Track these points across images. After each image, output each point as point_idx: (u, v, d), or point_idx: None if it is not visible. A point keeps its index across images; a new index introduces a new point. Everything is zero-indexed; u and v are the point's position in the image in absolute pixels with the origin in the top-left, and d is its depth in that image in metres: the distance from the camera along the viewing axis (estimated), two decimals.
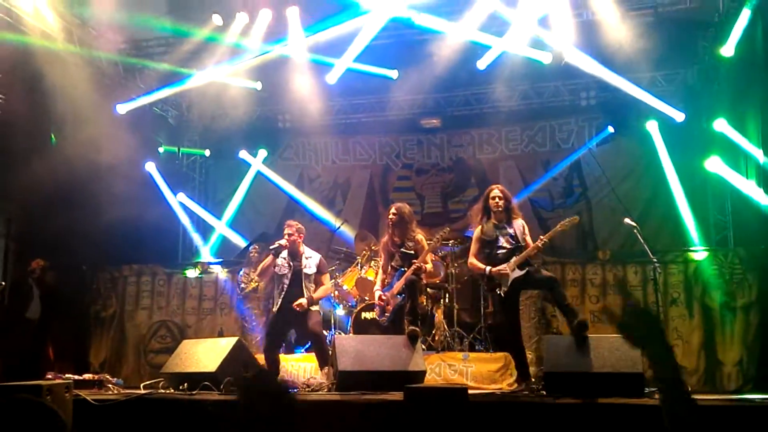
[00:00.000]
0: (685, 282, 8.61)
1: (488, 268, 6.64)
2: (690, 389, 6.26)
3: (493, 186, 6.98)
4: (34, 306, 9.09)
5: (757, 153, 8.65)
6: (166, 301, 10.06)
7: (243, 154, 12.29)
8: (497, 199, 6.73)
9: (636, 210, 10.44)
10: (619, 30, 9.23)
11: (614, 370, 5.88)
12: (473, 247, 6.88)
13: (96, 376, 7.33)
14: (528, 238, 6.72)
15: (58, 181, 8.52)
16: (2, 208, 9.11)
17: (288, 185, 12.28)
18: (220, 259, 11.10)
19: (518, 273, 6.55)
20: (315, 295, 7.38)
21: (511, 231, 6.68)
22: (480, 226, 6.84)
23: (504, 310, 6.77)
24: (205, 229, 12.28)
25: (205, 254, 11.81)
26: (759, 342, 8.19)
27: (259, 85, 11.05)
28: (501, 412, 5.39)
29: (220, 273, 10.15)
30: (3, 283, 8.81)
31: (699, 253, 8.86)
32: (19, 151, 8.78)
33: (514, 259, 6.56)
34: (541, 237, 6.55)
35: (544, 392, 6.05)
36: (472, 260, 6.85)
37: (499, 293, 6.61)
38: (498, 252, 6.66)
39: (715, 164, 9.49)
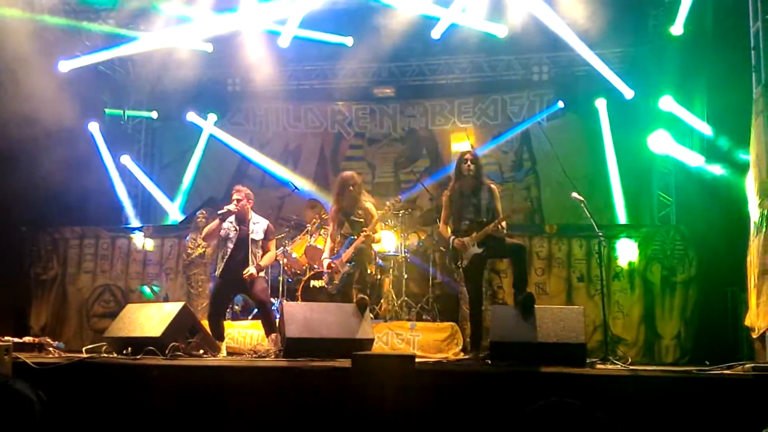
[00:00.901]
0: (627, 256, 8.80)
1: (452, 237, 6.67)
2: (629, 361, 6.48)
3: (467, 150, 6.99)
4: None
5: (703, 127, 8.86)
6: (109, 264, 9.84)
7: (191, 117, 11.98)
8: (469, 163, 6.72)
9: (583, 185, 10.56)
10: (572, 6, 9.28)
11: (558, 340, 6.01)
12: (443, 212, 6.93)
13: (36, 339, 7.16)
14: (498, 205, 6.72)
15: None
16: None
17: (242, 146, 12.02)
18: (139, 225, 10.90)
19: (477, 250, 6.59)
20: (261, 263, 7.35)
21: (475, 201, 6.68)
22: (448, 192, 6.87)
23: (466, 282, 6.85)
24: (149, 194, 12.02)
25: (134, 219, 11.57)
26: (697, 316, 8.46)
27: (209, 47, 10.75)
28: (447, 379, 5.45)
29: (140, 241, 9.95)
30: None
31: (642, 229, 9.06)
32: None
33: (474, 234, 6.59)
34: (498, 220, 6.56)
35: (489, 361, 6.15)
36: (442, 225, 6.90)
37: (459, 266, 6.67)
38: (462, 223, 6.70)
39: (659, 141, 9.67)
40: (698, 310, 8.47)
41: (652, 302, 8.62)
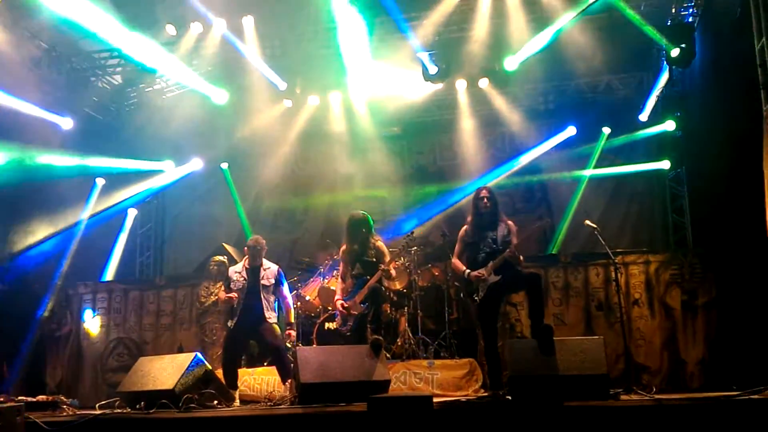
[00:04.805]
0: (646, 282, 8.65)
1: (467, 270, 6.56)
2: (654, 389, 6.27)
3: (483, 187, 6.87)
4: None
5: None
6: (123, 318, 9.80)
7: (201, 166, 12.03)
8: (485, 200, 6.63)
9: (597, 211, 10.50)
10: (577, 35, 9.30)
11: (579, 373, 5.85)
12: (457, 247, 6.80)
13: (50, 398, 7.05)
14: (515, 239, 6.58)
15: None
16: None
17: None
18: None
19: (494, 278, 6.46)
20: (292, 320, 7.53)
21: (493, 234, 6.57)
22: (465, 227, 6.77)
23: (480, 317, 6.67)
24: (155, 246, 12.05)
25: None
26: (720, 340, 8.25)
27: (222, 96, 10.78)
28: (466, 419, 5.31)
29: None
30: None
31: (659, 254, 8.91)
32: None
33: (490, 263, 6.47)
34: (512, 247, 6.43)
35: (509, 397, 5.99)
36: (455, 260, 6.77)
37: (476, 299, 6.53)
38: (478, 255, 6.58)
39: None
40: (721, 333, 8.26)
41: (674, 328, 8.44)
